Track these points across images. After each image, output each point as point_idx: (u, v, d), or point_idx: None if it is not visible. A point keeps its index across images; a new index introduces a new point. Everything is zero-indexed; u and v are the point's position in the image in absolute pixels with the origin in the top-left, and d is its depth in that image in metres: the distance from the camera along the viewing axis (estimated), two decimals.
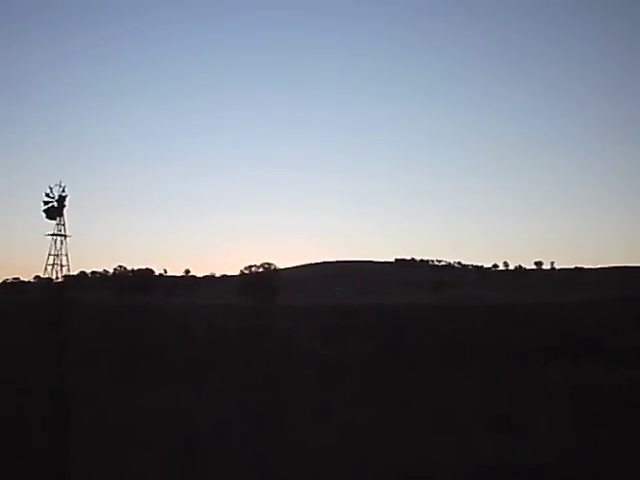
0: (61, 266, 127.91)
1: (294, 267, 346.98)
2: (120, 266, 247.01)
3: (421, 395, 24.55)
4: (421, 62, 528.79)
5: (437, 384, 26.92)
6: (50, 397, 22.37)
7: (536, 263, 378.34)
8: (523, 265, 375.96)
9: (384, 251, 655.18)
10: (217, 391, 24.10)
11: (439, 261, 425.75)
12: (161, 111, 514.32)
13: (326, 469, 15.92)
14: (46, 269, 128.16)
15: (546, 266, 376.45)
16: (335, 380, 27.19)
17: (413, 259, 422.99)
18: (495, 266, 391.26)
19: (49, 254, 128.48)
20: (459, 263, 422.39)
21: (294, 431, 19.00)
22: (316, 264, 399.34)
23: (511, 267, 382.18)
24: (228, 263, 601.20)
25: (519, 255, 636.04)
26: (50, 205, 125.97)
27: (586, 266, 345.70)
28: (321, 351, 36.59)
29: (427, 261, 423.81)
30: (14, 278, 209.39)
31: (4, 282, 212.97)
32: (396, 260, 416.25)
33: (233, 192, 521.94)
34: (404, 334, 49.17)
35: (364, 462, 16.38)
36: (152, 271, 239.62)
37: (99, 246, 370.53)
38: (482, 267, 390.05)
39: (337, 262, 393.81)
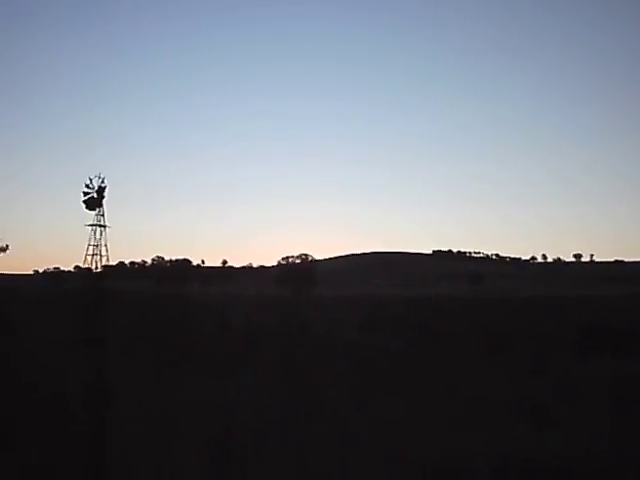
0: (100, 256, 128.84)
1: (331, 258, 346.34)
2: (158, 257, 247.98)
3: (458, 386, 24.46)
4: (454, 54, 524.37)
5: (474, 375, 26.80)
6: (90, 385, 22.62)
7: (575, 255, 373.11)
8: (562, 257, 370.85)
9: (422, 243, 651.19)
10: (255, 381, 24.18)
11: (477, 253, 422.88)
12: (199, 102, 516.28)
13: (362, 458, 15.93)
14: (86, 259, 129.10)
15: (585, 258, 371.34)
16: (373, 370, 27.17)
17: (451, 251, 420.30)
18: (533, 258, 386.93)
19: (89, 244, 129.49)
20: (497, 255, 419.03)
21: (331, 420, 19.03)
22: (354, 255, 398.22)
23: (549, 259, 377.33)
24: (265, 254, 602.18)
25: (558, 247, 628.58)
26: (90, 196, 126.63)
27: (627, 259, 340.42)
28: (359, 341, 36.52)
29: (465, 253, 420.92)
30: (55, 268, 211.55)
31: (45, 272, 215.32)
32: (434, 252, 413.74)
33: (271, 183, 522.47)
34: (442, 325, 48.93)
35: (399, 452, 16.36)
36: (190, 262, 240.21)
37: (138, 237, 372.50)
38: (520, 259, 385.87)
39: (375, 253, 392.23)
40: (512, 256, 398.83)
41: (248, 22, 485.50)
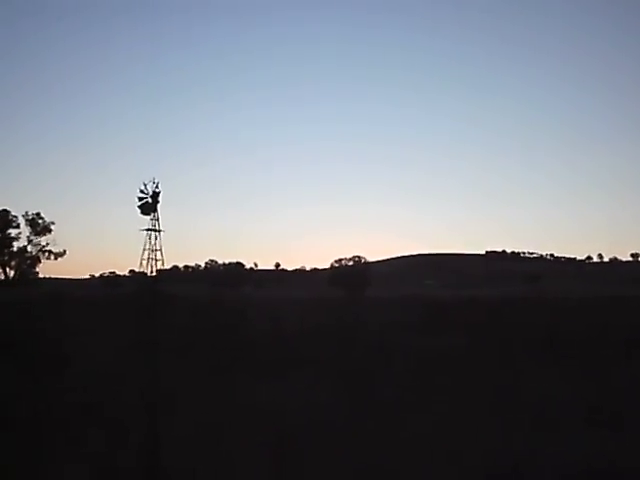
0: (155, 260, 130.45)
1: (384, 260, 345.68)
2: (211, 260, 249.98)
3: (516, 388, 23.99)
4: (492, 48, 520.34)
5: (533, 377, 26.28)
6: (146, 388, 22.62)
7: (632, 255, 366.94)
8: (619, 257, 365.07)
9: (475, 243, 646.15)
10: (311, 383, 23.97)
11: (531, 253, 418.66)
12: (253, 104, 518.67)
13: (422, 460, 15.61)
14: (141, 263, 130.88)
15: None
16: (428, 373, 26.79)
17: (504, 251, 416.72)
18: (589, 258, 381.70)
19: (144, 249, 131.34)
20: (552, 255, 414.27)
21: (389, 422, 18.73)
22: (406, 257, 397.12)
23: (606, 259, 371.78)
24: (318, 256, 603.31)
25: (614, 247, 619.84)
26: (144, 201, 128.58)
27: None
28: (413, 344, 36.12)
29: (519, 253, 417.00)
30: (110, 272, 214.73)
31: (101, 276, 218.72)
32: (487, 252, 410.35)
33: (324, 186, 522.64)
34: (497, 327, 48.28)
35: (460, 454, 16.01)
36: (243, 265, 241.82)
37: (191, 241, 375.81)
38: (575, 259, 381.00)
39: (428, 255, 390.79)
40: (567, 256, 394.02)
41: (298, 23, 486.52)
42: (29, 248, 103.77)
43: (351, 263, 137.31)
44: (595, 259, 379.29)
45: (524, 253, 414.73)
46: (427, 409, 20.67)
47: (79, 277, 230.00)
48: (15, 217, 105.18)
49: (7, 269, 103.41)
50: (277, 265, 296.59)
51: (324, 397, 21.70)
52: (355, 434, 17.54)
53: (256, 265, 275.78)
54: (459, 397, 22.52)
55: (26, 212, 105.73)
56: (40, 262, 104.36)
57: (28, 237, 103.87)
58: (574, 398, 22.42)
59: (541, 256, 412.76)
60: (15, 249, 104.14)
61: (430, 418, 19.48)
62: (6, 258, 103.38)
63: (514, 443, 17.13)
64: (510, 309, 73.38)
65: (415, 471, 15.24)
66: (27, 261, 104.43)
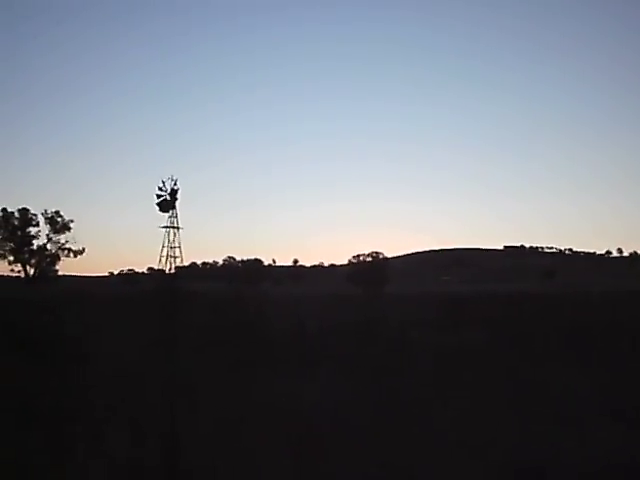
0: (174, 257, 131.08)
1: (402, 256, 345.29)
2: (230, 257, 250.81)
3: (539, 384, 23.89)
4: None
5: (553, 373, 26.14)
6: (166, 386, 22.68)
7: None
8: (638, 251, 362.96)
9: (493, 238, 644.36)
10: (332, 380, 23.95)
11: (549, 248, 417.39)
12: (268, 99, 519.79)
13: (447, 456, 15.55)
14: (160, 260, 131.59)
15: None
16: (448, 369, 26.72)
17: (523, 246, 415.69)
18: (608, 253, 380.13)
19: (163, 246, 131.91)
20: (570, 250, 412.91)
21: (412, 419, 18.67)
22: (425, 252, 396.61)
23: (625, 253, 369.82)
24: (336, 252, 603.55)
25: (634, 241, 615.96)
26: (163, 198, 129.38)
27: None
28: (434, 340, 36.08)
29: (537, 248, 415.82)
30: (129, 269, 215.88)
31: (120, 273, 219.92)
32: (505, 247, 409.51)
33: (342, 182, 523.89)
34: (516, 322, 48.18)
35: (484, 451, 15.94)
36: (261, 261, 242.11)
37: (209, 237, 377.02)
38: (595, 254, 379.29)
39: (445, 250, 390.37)
40: (586, 251, 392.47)
41: (319, 20, 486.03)
42: (49, 246, 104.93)
43: (369, 259, 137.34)
44: (615, 253, 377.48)
45: (542, 248, 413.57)
46: (448, 405, 20.63)
47: (98, 274, 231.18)
48: (35, 215, 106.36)
49: (27, 267, 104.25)
50: (295, 261, 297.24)
51: (344, 394, 21.68)
52: (376, 431, 17.51)
53: (274, 261, 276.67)
54: (480, 393, 22.46)
55: (45, 210, 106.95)
56: (60, 260, 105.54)
57: (48, 235, 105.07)
58: (595, 393, 22.33)
59: (559, 251, 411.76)
60: (35, 247, 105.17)
61: (451, 414, 19.45)
62: (26, 256, 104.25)
63: (535, 439, 17.07)
64: (529, 304, 73.14)
65: (437, 468, 15.21)
66: (47, 259, 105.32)
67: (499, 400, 21.43)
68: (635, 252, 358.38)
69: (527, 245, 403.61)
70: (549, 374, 26.04)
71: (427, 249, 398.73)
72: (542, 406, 20.73)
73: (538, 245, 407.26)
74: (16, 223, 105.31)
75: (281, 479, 14.90)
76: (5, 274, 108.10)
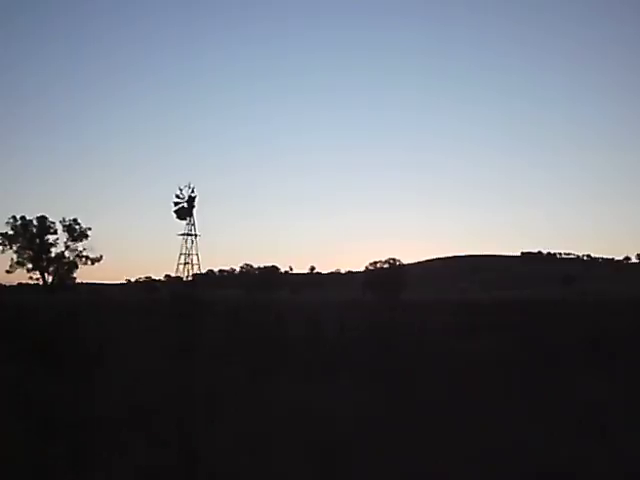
0: (192, 265, 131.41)
1: (419, 262, 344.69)
2: (247, 264, 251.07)
3: (559, 392, 23.64)
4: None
5: (576, 381, 25.88)
6: (184, 394, 22.60)
7: None
8: None
9: (510, 245, 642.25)
10: (350, 390, 23.79)
11: (567, 254, 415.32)
12: (287, 108, 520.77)
13: (472, 463, 15.36)
14: (178, 268, 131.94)
15: None
16: (467, 376, 26.51)
17: (540, 252, 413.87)
18: (627, 259, 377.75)
19: (180, 253, 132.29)
20: (588, 256, 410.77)
21: (435, 426, 18.49)
22: (441, 259, 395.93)
23: None
24: (353, 259, 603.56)
25: None
26: (180, 206, 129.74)
27: None
28: (451, 347, 35.87)
29: (555, 254, 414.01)
30: (146, 277, 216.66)
31: (137, 281, 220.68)
32: (522, 254, 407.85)
33: (358, 190, 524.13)
34: (536, 329, 47.88)
35: (509, 458, 15.74)
36: (278, 269, 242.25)
37: (226, 245, 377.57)
38: (613, 260, 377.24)
39: (462, 257, 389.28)
40: (605, 256, 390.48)
41: (348, 26, 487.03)
42: (66, 254, 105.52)
43: (386, 266, 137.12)
44: (633, 259, 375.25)
45: (560, 254, 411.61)
46: (468, 413, 20.44)
47: (116, 282, 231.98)
48: (53, 223, 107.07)
49: (46, 275, 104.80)
50: (312, 268, 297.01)
51: (364, 402, 21.52)
52: (397, 440, 17.33)
53: (291, 269, 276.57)
54: (499, 400, 22.26)
55: (63, 218, 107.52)
56: (77, 267, 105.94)
57: (65, 243, 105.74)
58: (618, 400, 22.08)
59: (577, 257, 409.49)
60: (53, 255, 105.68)
61: (472, 422, 19.24)
62: (44, 264, 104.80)
63: (560, 446, 16.87)
64: (547, 311, 72.75)
65: (464, 475, 15.05)
66: (65, 267, 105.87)
67: (520, 408, 21.23)
68: None
69: (545, 251, 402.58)
70: (569, 381, 25.82)
71: (444, 256, 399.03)
72: (564, 413, 20.52)
73: (556, 251, 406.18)
74: (34, 231, 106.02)
75: None
76: (24, 282, 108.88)
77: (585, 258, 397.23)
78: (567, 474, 14.93)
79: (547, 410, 20.74)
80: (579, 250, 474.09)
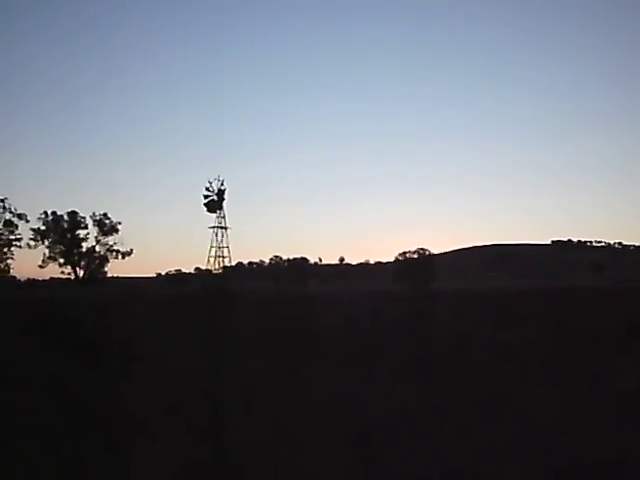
0: (222, 257, 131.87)
1: (449, 252, 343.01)
2: (276, 256, 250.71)
3: (595, 381, 23.41)
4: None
5: (611, 369, 25.63)
6: (216, 385, 22.63)
7: None
8: None
9: (540, 233, 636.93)
10: (383, 379, 23.73)
11: (598, 242, 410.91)
12: (317, 100, 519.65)
13: (510, 457, 15.27)
14: (208, 261, 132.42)
15: None
16: (502, 367, 26.32)
17: (570, 240, 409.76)
18: None
19: (211, 246, 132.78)
20: (619, 244, 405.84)
21: (470, 419, 18.39)
22: (471, 248, 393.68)
23: None
24: (382, 250, 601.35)
25: None
26: (210, 199, 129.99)
27: None
28: (484, 337, 35.60)
29: (585, 242, 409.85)
30: (176, 270, 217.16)
31: (167, 274, 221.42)
32: (553, 242, 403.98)
33: (386, 179, 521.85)
34: (570, 318, 47.36)
35: (550, 451, 15.63)
36: (307, 260, 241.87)
37: (256, 237, 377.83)
38: None
39: (492, 246, 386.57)
40: (636, 244, 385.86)
41: (370, 22, 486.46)
42: (97, 248, 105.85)
43: (416, 256, 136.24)
44: None
45: (591, 242, 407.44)
46: (503, 403, 20.30)
47: (146, 275, 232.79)
48: (83, 218, 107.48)
49: (77, 269, 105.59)
50: (341, 259, 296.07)
51: (399, 392, 21.46)
52: (434, 430, 17.27)
53: (320, 260, 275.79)
54: (536, 391, 22.08)
55: (94, 213, 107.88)
56: (108, 261, 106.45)
57: (96, 237, 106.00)
58: None
59: (608, 244, 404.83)
60: (84, 249, 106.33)
61: (506, 412, 19.12)
62: (76, 258, 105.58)
63: (597, 437, 16.69)
64: (582, 299, 72.05)
65: (505, 468, 14.95)
66: (96, 261, 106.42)
67: (556, 398, 21.04)
68: None
69: (575, 239, 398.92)
70: (604, 369, 25.56)
71: (473, 245, 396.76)
72: (600, 402, 20.32)
73: (587, 239, 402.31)
74: (65, 226, 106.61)
75: (339, 479, 14.77)
76: (56, 276, 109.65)
77: (617, 245, 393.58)
78: (611, 463, 14.79)
79: (582, 399, 20.56)
80: (610, 238, 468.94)
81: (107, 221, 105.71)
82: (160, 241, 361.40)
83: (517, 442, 16.24)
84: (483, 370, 25.00)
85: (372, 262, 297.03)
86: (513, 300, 68.64)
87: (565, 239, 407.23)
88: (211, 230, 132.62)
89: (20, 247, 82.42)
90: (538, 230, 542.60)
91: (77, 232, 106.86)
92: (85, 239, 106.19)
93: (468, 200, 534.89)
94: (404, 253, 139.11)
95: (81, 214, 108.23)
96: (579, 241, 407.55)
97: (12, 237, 78.30)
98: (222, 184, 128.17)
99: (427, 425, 17.59)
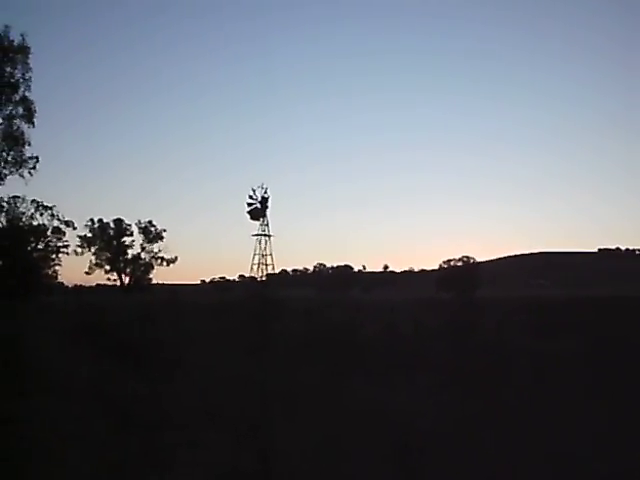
0: (266, 265, 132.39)
1: (494, 260, 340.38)
2: (320, 264, 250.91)
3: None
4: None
5: None
6: (260, 393, 22.65)
7: None
8: None
9: (586, 241, 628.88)
10: (428, 389, 23.53)
11: None
12: (362, 108, 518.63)
13: (545, 470, 15.04)
14: (252, 268, 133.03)
15: None
16: (549, 377, 25.98)
17: (618, 249, 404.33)
18: None
19: (254, 254, 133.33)
20: None
21: (509, 429, 18.16)
22: (516, 256, 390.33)
23: None
24: (426, 257, 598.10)
25: None
26: (253, 207, 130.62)
27: None
28: (529, 346, 35.17)
29: (634, 250, 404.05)
30: (220, 277, 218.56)
31: (211, 281, 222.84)
32: (599, 250, 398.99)
33: (432, 187, 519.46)
34: (616, 328, 46.63)
35: (581, 462, 15.37)
36: (351, 267, 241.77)
37: (300, 245, 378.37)
38: None
39: (538, 254, 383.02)
40: None
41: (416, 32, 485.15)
42: (142, 255, 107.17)
43: (460, 263, 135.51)
44: None
45: (639, 250, 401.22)
46: (548, 414, 20.00)
47: (190, 282, 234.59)
48: (129, 226, 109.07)
49: (122, 276, 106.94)
50: (385, 267, 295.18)
51: (442, 401, 21.26)
52: (477, 440, 17.06)
53: (364, 267, 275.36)
54: (581, 402, 21.73)
55: (139, 220, 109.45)
56: (153, 268, 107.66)
57: (141, 245, 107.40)
58: None
59: None
60: (130, 256, 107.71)
61: (552, 423, 18.82)
62: (122, 265, 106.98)
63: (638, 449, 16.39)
64: (627, 309, 70.94)
65: (540, 478, 14.72)
66: (141, 268, 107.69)
67: (599, 409, 20.69)
68: None
69: (623, 247, 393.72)
70: None
71: (518, 253, 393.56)
72: None
73: (635, 247, 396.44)
74: (112, 233, 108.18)
75: None
76: (102, 283, 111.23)
77: None
78: None
79: (632, 413, 20.19)
80: None
81: (152, 228, 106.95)
82: (204, 248, 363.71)
83: (563, 454, 15.98)
84: (528, 380, 24.64)
85: (416, 270, 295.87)
86: (559, 309, 67.81)
87: (612, 247, 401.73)
88: (255, 238, 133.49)
89: (67, 254, 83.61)
90: (585, 238, 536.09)
91: (123, 239, 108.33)
92: (131, 246, 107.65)
93: (512, 208, 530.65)
94: (449, 261, 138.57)
95: (127, 222, 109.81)
96: (627, 249, 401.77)
97: (60, 244, 79.52)
98: (265, 192, 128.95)
99: (470, 435, 17.37)
